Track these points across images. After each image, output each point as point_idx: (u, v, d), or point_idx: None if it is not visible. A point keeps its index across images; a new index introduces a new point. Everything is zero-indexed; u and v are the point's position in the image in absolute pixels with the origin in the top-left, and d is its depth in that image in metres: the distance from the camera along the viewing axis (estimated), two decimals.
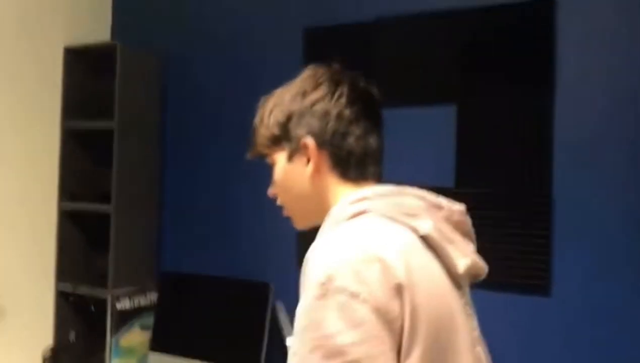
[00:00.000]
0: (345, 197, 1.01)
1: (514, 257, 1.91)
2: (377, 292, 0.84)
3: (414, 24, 2.11)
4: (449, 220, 0.99)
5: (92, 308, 2.49)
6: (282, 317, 1.73)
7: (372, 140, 1.05)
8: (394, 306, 0.84)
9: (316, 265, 0.87)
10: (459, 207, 1.02)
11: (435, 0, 2.08)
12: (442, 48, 2.05)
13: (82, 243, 2.67)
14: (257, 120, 1.13)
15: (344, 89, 1.05)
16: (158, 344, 2.39)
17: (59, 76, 2.58)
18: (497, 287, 1.93)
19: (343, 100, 1.04)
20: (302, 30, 2.33)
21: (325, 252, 0.88)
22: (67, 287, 2.48)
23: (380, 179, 1.06)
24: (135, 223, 2.54)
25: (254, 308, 2.25)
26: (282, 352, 2.17)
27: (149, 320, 2.47)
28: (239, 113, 2.46)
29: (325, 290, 0.84)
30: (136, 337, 2.45)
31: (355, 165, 1.04)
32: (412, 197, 0.99)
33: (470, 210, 1.06)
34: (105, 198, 2.50)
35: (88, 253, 2.69)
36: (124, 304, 2.40)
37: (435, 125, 2.06)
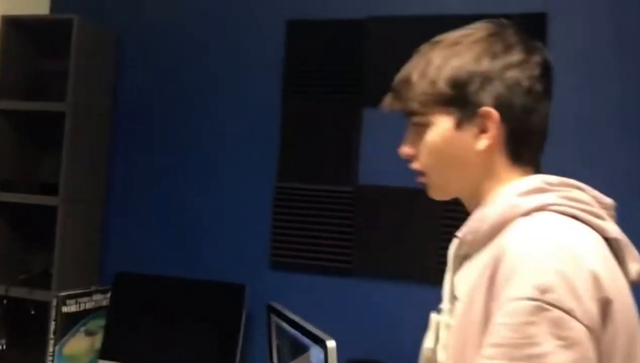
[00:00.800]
0: (511, 185, 0.90)
1: None
2: (590, 307, 0.76)
3: (405, 26, 2.11)
4: (614, 217, 0.91)
5: (32, 312, 2.22)
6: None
7: (547, 123, 0.94)
8: (601, 323, 0.77)
9: (522, 271, 0.77)
10: (612, 202, 0.93)
11: (427, 5, 2.11)
12: None
13: (14, 239, 2.38)
14: (413, 71, 0.96)
15: (537, 58, 0.92)
16: (109, 352, 2.18)
17: None
18: None
19: (537, 71, 0.91)
20: (284, 22, 2.25)
21: (531, 255, 0.78)
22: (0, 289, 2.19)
23: (540, 164, 0.96)
24: (82, 217, 2.31)
25: (222, 312, 2.13)
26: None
27: (96, 324, 2.24)
28: (202, 99, 2.33)
29: (540, 304, 0.74)
30: (81, 343, 2.21)
31: (531, 147, 0.93)
32: (580, 191, 0.89)
33: None
34: (45, 189, 2.25)
35: (20, 251, 2.39)
36: (70, 307, 2.16)
37: None
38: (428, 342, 1.00)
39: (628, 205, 1.27)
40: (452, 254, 1.00)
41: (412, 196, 2.07)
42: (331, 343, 1.40)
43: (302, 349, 1.57)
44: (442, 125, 0.93)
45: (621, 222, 0.90)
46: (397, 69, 2.30)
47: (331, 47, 2.19)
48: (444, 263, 2.08)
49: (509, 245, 0.81)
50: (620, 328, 0.78)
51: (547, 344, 0.73)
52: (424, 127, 0.95)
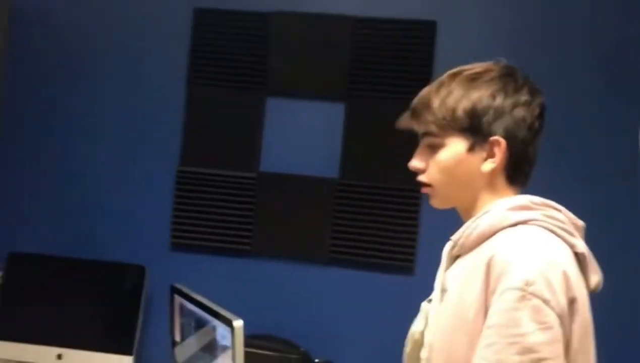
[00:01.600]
0: (502, 201, 1.08)
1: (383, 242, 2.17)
2: (561, 300, 0.96)
3: (308, 22, 2.23)
4: (582, 236, 1.10)
5: None
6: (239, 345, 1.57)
7: (536, 157, 1.12)
8: (568, 316, 0.96)
9: (513, 267, 0.96)
10: (583, 224, 1.11)
11: (329, 4, 2.23)
12: (335, 49, 2.21)
13: None
14: (434, 97, 1.10)
15: (539, 100, 1.11)
16: (2, 332, 2.15)
17: None
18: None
19: (537, 111, 1.10)
20: (192, 10, 2.28)
21: (520, 256, 0.97)
22: None
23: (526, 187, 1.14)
24: None
25: (121, 294, 2.17)
26: (159, 344, 2.14)
27: None
28: (102, 78, 2.32)
29: (524, 294, 0.94)
30: None
31: (523, 172, 1.11)
32: (558, 212, 1.07)
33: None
34: None
35: None
36: None
37: (325, 119, 2.22)
38: (417, 326, 1.16)
39: None
40: (446, 253, 1.16)
41: (308, 184, 2.22)
42: (238, 323, 1.51)
43: (208, 329, 1.67)
44: (455, 148, 1.09)
45: None
46: (300, 62, 2.43)
47: (238, 38, 2.27)
48: (334, 246, 2.25)
49: (500, 250, 1.00)
50: (580, 324, 0.98)
51: (528, 326, 0.93)
52: (438, 147, 1.11)
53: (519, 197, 1.09)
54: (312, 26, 2.23)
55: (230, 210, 2.25)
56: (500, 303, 0.96)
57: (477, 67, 1.13)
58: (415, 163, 1.14)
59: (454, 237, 1.11)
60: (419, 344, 1.14)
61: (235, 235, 2.25)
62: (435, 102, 1.10)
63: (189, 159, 2.28)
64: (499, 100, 1.08)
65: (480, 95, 1.08)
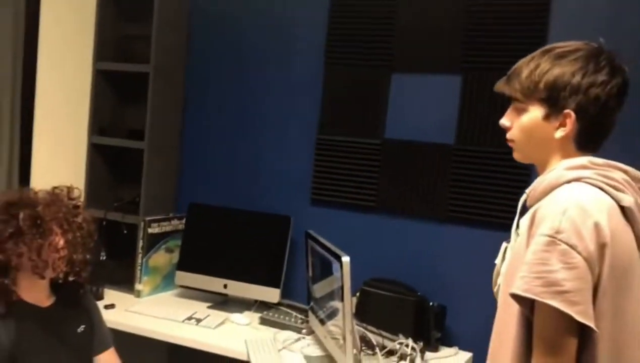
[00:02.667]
0: (564, 162, 1.25)
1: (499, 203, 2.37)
2: (590, 247, 1.13)
3: (435, 4, 2.46)
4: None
5: (125, 231, 2.81)
6: (346, 276, 1.91)
7: (613, 128, 1.28)
8: (597, 259, 1.14)
9: (547, 218, 1.16)
10: None
11: None
12: (451, 26, 2.43)
13: (109, 175, 2.97)
14: (525, 69, 1.28)
15: (618, 80, 1.24)
16: (183, 265, 2.76)
17: (92, 20, 2.80)
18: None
19: (614, 90, 1.24)
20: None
21: (555, 209, 1.17)
22: (99, 213, 2.76)
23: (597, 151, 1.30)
24: (163, 158, 2.85)
25: (272, 238, 2.65)
26: (300, 279, 2.59)
27: (173, 243, 2.82)
28: (259, 63, 2.79)
29: (553, 240, 1.14)
30: (162, 258, 2.80)
31: (594, 141, 1.28)
32: (618, 171, 1.24)
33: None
34: (134, 135, 2.79)
35: (114, 184, 2.99)
36: (153, 229, 2.74)
37: (442, 91, 2.47)
38: (497, 260, 1.40)
39: None
40: (520, 203, 1.36)
41: (427, 149, 2.49)
42: (345, 259, 1.89)
43: (327, 264, 2.07)
44: (534, 114, 1.28)
45: None
46: (419, 40, 2.64)
47: (367, 22, 2.58)
48: (451, 205, 2.49)
49: (543, 204, 1.21)
50: (610, 265, 1.16)
51: (555, 265, 1.14)
52: (522, 111, 1.31)
53: (581, 158, 1.26)
54: (431, 4, 2.47)
55: (359, 172, 2.61)
56: (534, 245, 1.18)
57: (568, 45, 1.28)
58: (503, 121, 1.35)
59: (527, 190, 1.32)
60: (498, 275, 1.38)
61: (363, 193, 2.61)
62: (524, 73, 1.28)
63: (326, 128, 2.68)
64: (577, 79, 1.23)
65: (562, 72, 1.24)
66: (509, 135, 1.35)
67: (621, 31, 2.21)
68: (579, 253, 1.14)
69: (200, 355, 2.27)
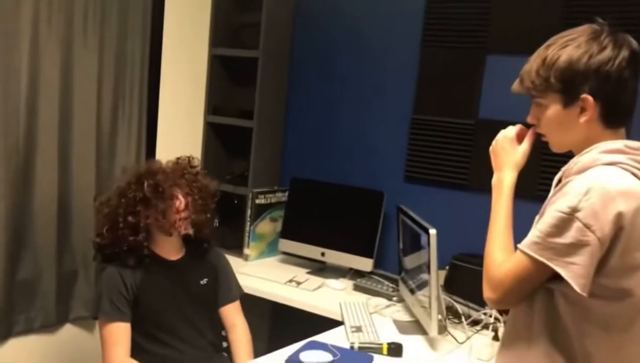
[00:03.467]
0: (601, 144, 1.30)
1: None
2: (605, 229, 1.20)
3: None
4: None
5: (235, 201, 3.10)
6: (433, 248, 2.06)
7: (635, 96, 1.31)
8: (611, 239, 1.21)
9: (572, 194, 1.22)
10: None
11: None
12: (545, 9, 2.48)
13: (221, 150, 3.27)
14: (533, 65, 1.33)
15: (625, 53, 1.27)
16: (286, 233, 3.02)
17: (208, 10, 3.09)
18: None
19: (623, 64, 1.27)
20: None
21: (580, 187, 1.22)
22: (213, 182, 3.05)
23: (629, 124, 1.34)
24: (269, 136, 3.11)
25: (367, 211, 2.83)
26: (391, 251, 2.76)
27: (277, 214, 3.08)
28: (358, 47, 2.96)
29: (571, 215, 1.21)
30: (267, 226, 3.07)
31: (620, 115, 1.32)
32: None
33: None
34: (244, 114, 3.06)
35: (226, 159, 3.29)
36: (260, 200, 3.01)
37: None
38: None
39: None
40: (555, 180, 1.42)
41: None
42: (433, 231, 2.03)
43: (416, 236, 2.23)
44: (554, 105, 1.33)
45: None
46: (514, 23, 2.69)
47: (462, 6, 2.67)
48: (541, 184, 2.55)
49: (574, 178, 1.27)
50: (626, 249, 1.23)
51: (566, 238, 1.22)
52: (542, 106, 1.35)
53: (616, 141, 1.31)
54: None
55: (453, 151, 2.73)
56: (551, 218, 1.24)
57: (568, 33, 1.32)
58: (529, 118, 1.41)
59: (563, 169, 1.38)
60: None
61: (456, 171, 2.72)
62: (534, 70, 1.33)
63: (420, 108, 2.81)
64: (583, 63, 1.27)
65: (568, 60, 1.28)
66: (537, 130, 1.40)
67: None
68: (593, 232, 1.21)
69: (298, 313, 2.51)
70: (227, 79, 3.24)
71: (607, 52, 1.27)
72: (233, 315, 2.24)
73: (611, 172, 1.26)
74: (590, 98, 1.29)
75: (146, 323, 2.03)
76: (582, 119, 1.31)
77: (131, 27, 2.62)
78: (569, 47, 1.30)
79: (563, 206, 1.24)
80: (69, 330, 2.57)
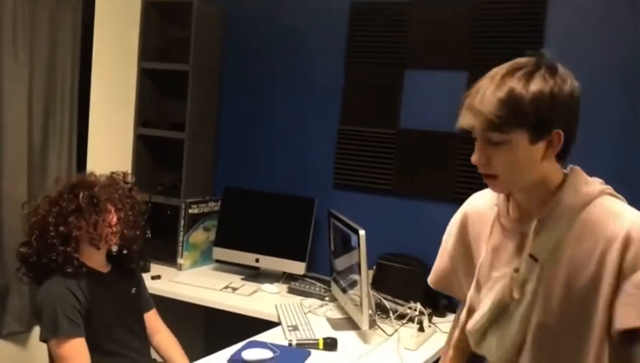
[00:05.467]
0: (576, 178, 1.24)
1: None
2: None
3: (443, 8, 2.75)
4: None
5: (169, 212, 3.15)
6: (362, 247, 2.16)
7: None
8: None
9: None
10: None
11: None
12: (458, 28, 2.72)
13: (152, 162, 3.32)
14: (492, 99, 1.15)
15: (576, 83, 1.19)
16: (219, 241, 3.10)
17: (137, 25, 3.14)
18: None
19: (578, 95, 1.20)
20: (349, 3, 2.95)
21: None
22: (145, 197, 3.10)
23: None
24: (200, 147, 3.19)
25: (298, 217, 2.97)
26: (322, 254, 2.91)
27: (210, 223, 3.16)
28: (286, 62, 3.11)
29: None
30: (200, 236, 3.14)
31: (570, 149, 1.22)
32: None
33: None
34: (175, 127, 3.13)
35: (157, 170, 3.34)
36: (193, 210, 3.08)
37: (451, 85, 2.75)
38: (515, 294, 1.26)
39: None
40: (533, 228, 1.25)
41: (437, 137, 2.78)
42: (362, 232, 2.19)
43: (347, 238, 2.38)
44: (517, 142, 1.17)
45: None
46: (430, 40, 2.90)
47: (382, 24, 2.88)
48: (458, 187, 2.74)
49: (632, 231, 1.16)
50: None
51: None
52: (500, 143, 1.17)
53: (581, 173, 1.26)
54: (439, 10, 2.76)
55: (377, 159, 2.92)
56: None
57: (514, 66, 1.19)
58: (476, 158, 1.22)
59: (539, 215, 1.24)
60: (511, 312, 1.29)
61: (380, 177, 2.92)
62: (495, 104, 1.15)
63: (346, 119, 2.99)
64: (558, 96, 1.15)
65: (540, 92, 1.14)
66: (488, 171, 1.22)
67: (616, 29, 2.47)
68: None
69: (234, 318, 2.60)
70: (157, 92, 3.30)
71: (570, 84, 1.18)
72: (155, 321, 2.30)
73: (621, 202, 1.25)
74: (561, 132, 1.18)
75: (99, 337, 2.02)
76: (547, 155, 1.20)
77: (61, 41, 2.65)
78: (535, 79, 1.16)
79: None
80: (2, 346, 2.53)
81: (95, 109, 2.93)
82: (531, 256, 1.26)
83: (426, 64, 2.81)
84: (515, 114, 1.15)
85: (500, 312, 1.31)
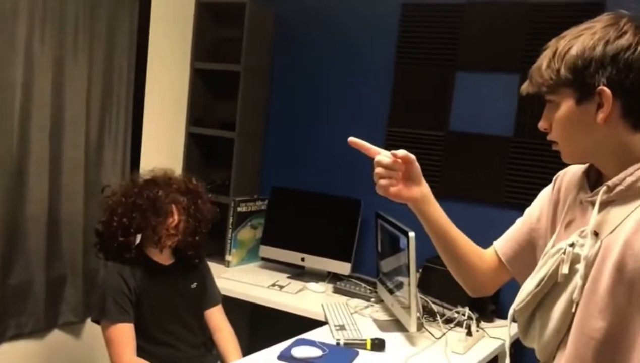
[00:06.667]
0: None
1: None
2: None
3: (497, 9, 2.73)
4: None
5: (217, 210, 3.20)
6: (412, 249, 2.16)
7: None
8: None
9: None
10: None
11: None
12: (513, 30, 2.69)
13: (203, 160, 3.38)
14: (543, 60, 1.13)
15: (622, 38, 1.07)
16: (266, 240, 3.14)
17: (190, 26, 3.21)
18: None
19: (627, 49, 1.06)
20: (400, 5, 2.94)
21: None
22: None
23: None
24: (250, 146, 3.24)
25: (345, 217, 2.98)
26: (368, 255, 2.92)
27: (258, 221, 3.20)
28: (335, 63, 3.13)
29: None
30: (248, 233, 3.19)
31: None
32: None
33: None
34: (226, 126, 3.18)
35: (207, 169, 3.40)
36: (241, 208, 3.13)
37: (502, 88, 2.72)
38: (564, 269, 1.13)
39: None
40: (599, 200, 1.12)
41: (488, 140, 2.76)
42: (412, 234, 2.19)
43: (395, 240, 2.38)
44: (566, 103, 1.11)
45: None
46: (483, 42, 2.90)
47: (434, 25, 2.87)
48: (508, 191, 2.72)
49: None
50: None
51: None
52: (554, 106, 1.14)
53: None
54: (494, 12, 2.73)
55: (425, 160, 2.90)
56: None
57: (583, 25, 1.14)
58: (540, 123, 1.19)
59: (611, 183, 1.11)
60: (557, 293, 1.16)
61: (428, 179, 2.86)
62: (544, 64, 1.13)
63: (395, 120, 2.99)
64: (598, 51, 1.08)
65: (582, 48, 1.09)
66: (549, 137, 1.19)
67: None
68: None
69: (279, 315, 2.63)
70: (209, 92, 3.36)
71: (627, 38, 1.08)
72: (218, 318, 2.35)
73: None
74: (607, 90, 1.07)
75: (147, 324, 2.11)
76: (600, 117, 1.09)
77: (118, 42, 2.73)
78: (583, 36, 1.11)
79: None
80: (57, 336, 2.63)
81: (149, 108, 3.01)
82: (592, 232, 1.12)
83: (478, 65, 2.79)
84: (554, 74, 1.11)
85: (547, 292, 1.18)
